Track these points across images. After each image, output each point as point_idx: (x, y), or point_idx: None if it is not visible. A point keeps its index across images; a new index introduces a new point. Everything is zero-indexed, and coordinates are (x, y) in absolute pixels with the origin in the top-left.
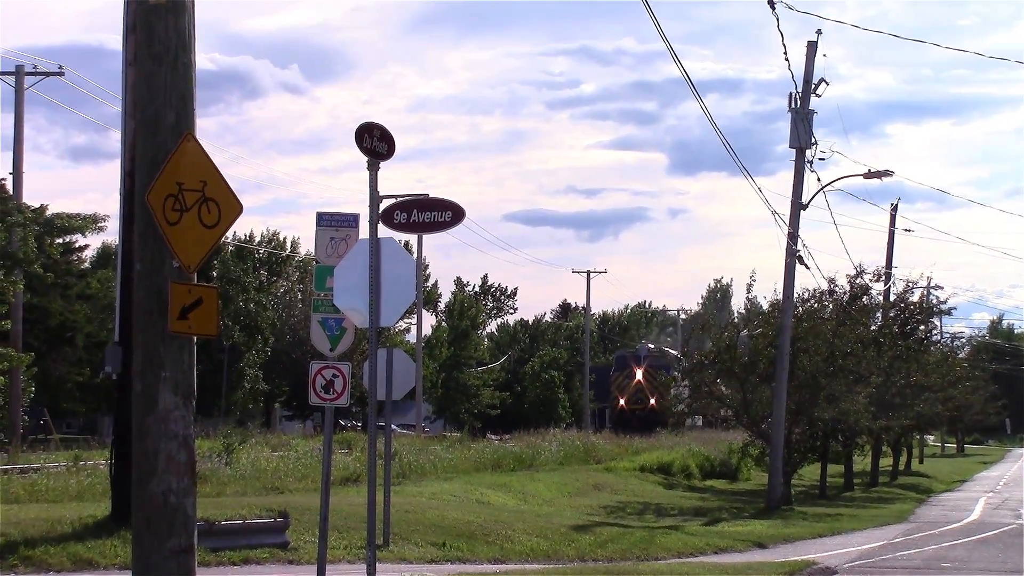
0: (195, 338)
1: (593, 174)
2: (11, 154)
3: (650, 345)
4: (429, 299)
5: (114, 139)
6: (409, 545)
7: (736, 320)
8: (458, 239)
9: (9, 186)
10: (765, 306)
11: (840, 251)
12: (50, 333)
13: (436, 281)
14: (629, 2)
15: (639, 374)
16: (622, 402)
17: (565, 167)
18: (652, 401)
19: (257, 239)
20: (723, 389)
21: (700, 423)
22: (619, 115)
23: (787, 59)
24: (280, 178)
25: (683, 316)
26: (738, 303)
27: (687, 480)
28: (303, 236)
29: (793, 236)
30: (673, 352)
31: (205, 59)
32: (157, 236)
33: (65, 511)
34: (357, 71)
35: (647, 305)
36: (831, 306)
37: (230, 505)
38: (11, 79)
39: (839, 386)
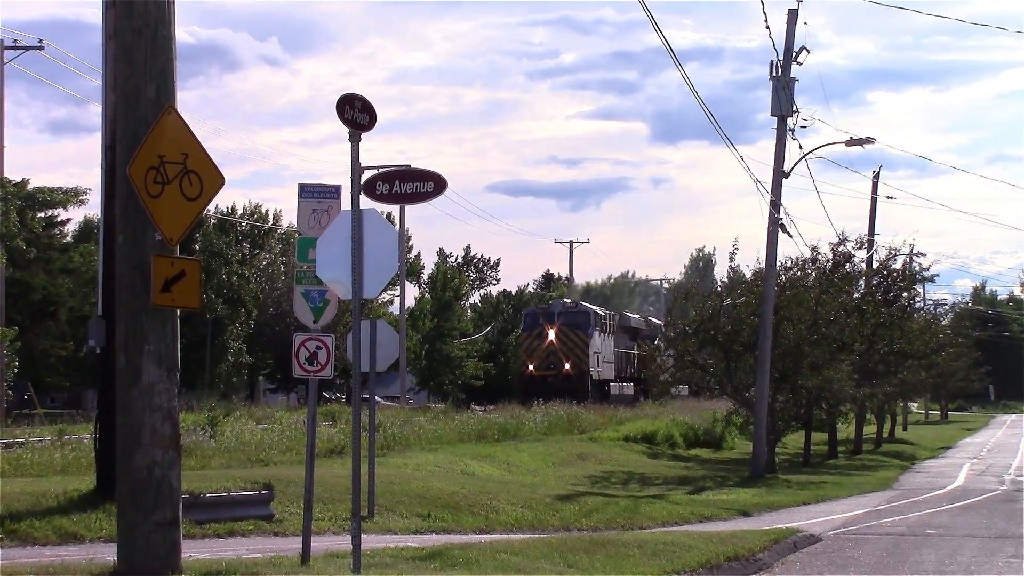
0: (178, 311)
1: (574, 144)
2: None
3: (565, 300)
4: (412, 270)
5: (94, 112)
6: (394, 516)
7: (719, 289)
8: (440, 210)
9: None
10: (748, 275)
11: (823, 219)
12: (33, 307)
13: (419, 253)
14: None
15: (551, 334)
16: (531, 367)
17: (546, 137)
18: (567, 366)
19: (239, 212)
20: (707, 358)
21: (685, 392)
22: (600, 85)
23: (768, 27)
24: (262, 151)
25: (666, 285)
26: (721, 272)
27: (671, 449)
28: (285, 208)
29: (775, 204)
30: (657, 321)
31: (184, 32)
32: (139, 209)
33: (50, 485)
34: (336, 43)
35: (630, 275)
36: (814, 274)
37: (215, 478)
38: None
39: (822, 354)
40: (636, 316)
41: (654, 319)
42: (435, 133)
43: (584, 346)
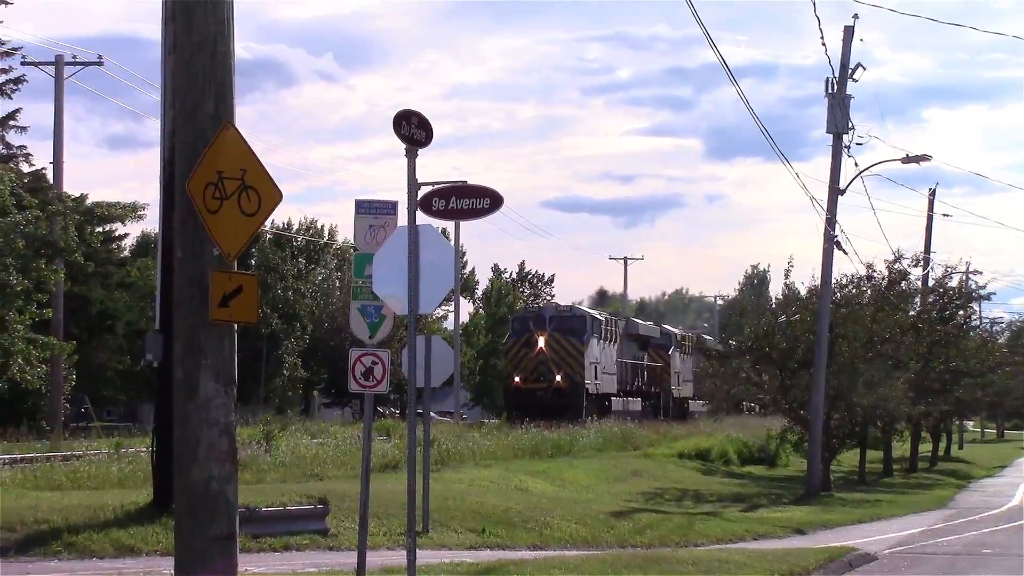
0: (235, 326)
1: (629, 160)
2: (51, 144)
3: (558, 302)
4: (467, 286)
5: (152, 128)
6: (448, 532)
7: (774, 306)
8: (495, 226)
9: (50, 175)
10: (803, 292)
11: (878, 236)
12: (91, 321)
13: (473, 268)
14: None
15: (541, 341)
16: (517, 379)
17: (601, 153)
18: (558, 378)
19: (295, 227)
20: (761, 375)
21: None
22: (654, 101)
23: (824, 44)
24: (317, 166)
25: (720, 302)
26: (776, 289)
27: (725, 466)
28: (341, 224)
29: (831, 221)
30: (672, 329)
31: (240, 48)
32: (197, 224)
33: (107, 498)
34: (392, 59)
35: (684, 291)
36: (869, 292)
37: (270, 492)
38: (51, 69)
39: (878, 372)
40: (646, 323)
41: (671, 327)
42: (490, 149)
43: (579, 355)
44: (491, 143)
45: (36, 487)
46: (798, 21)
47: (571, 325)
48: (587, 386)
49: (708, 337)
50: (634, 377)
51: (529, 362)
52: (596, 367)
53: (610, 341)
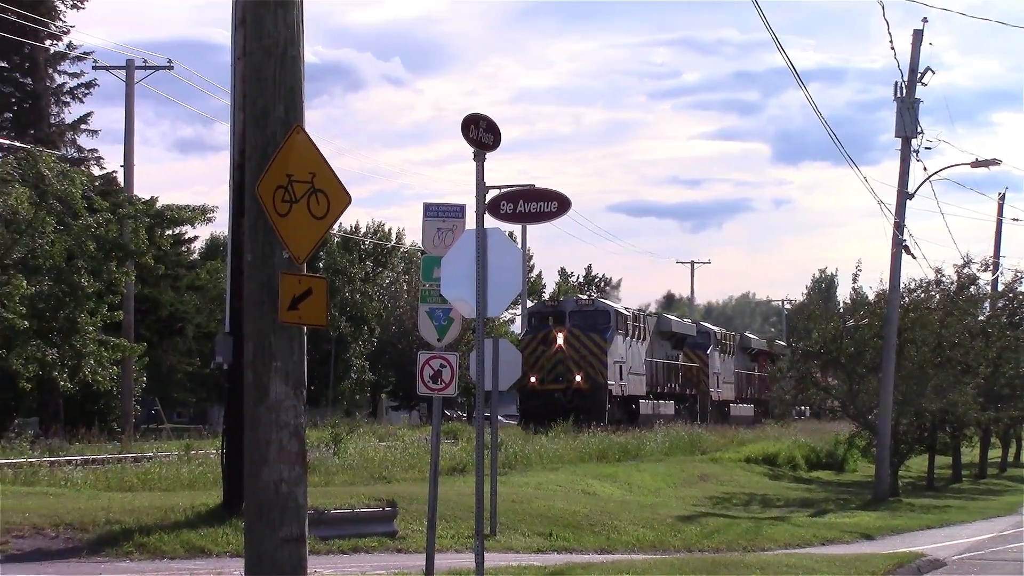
0: (305, 328)
1: (696, 164)
2: (122, 147)
3: (580, 296)
4: (534, 289)
5: (220, 132)
6: (516, 535)
7: (842, 310)
8: (562, 230)
9: (120, 179)
10: (871, 296)
11: (947, 241)
12: (161, 324)
13: (540, 272)
14: None
15: (559, 339)
16: (532, 379)
17: (667, 158)
18: (578, 378)
19: (363, 230)
20: (829, 380)
21: (807, 414)
22: (721, 105)
23: (892, 48)
24: (385, 170)
25: (788, 306)
26: (843, 293)
27: (793, 471)
28: (408, 227)
29: (899, 226)
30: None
31: (309, 52)
32: (267, 227)
33: (178, 499)
34: (459, 63)
35: (751, 295)
36: (938, 296)
37: (339, 494)
38: (122, 74)
39: (947, 377)
40: (682, 319)
41: (709, 324)
42: (557, 153)
43: (601, 353)
44: (558, 147)
45: (108, 488)
46: (866, 25)
47: (593, 321)
48: (610, 387)
49: (753, 336)
50: (667, 378)
51: (546, 361)
52: (621, 366)
53: (638, 338)
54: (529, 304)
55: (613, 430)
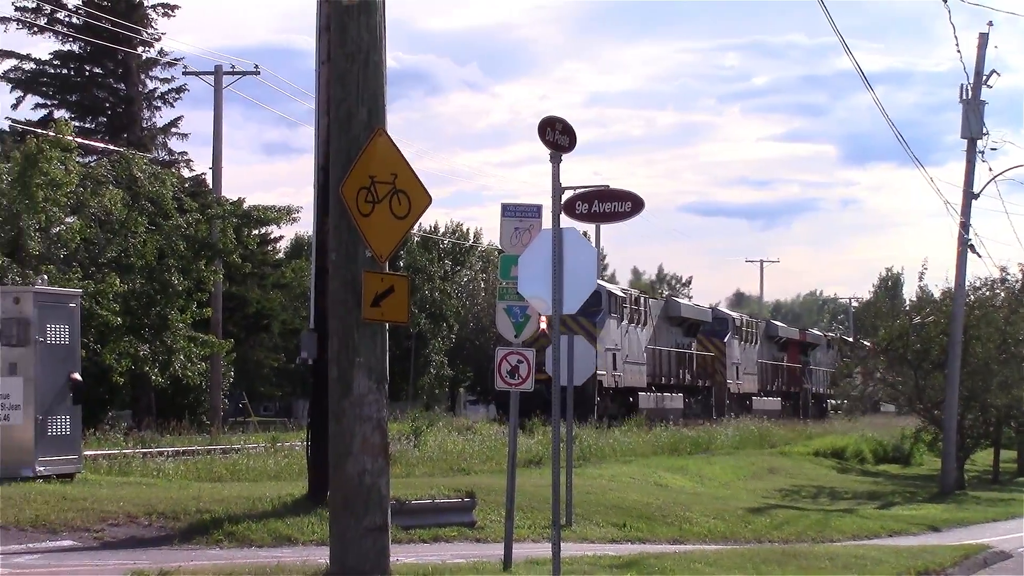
0: (387, 325)
1: (764, 165)
2: (211, 150)
3: None
4: None
5: (305, 135)
6: (591, 525)
7: (908, 308)
8: (634, 230)
9: (209, 180)
10: (937, 294)
11: (1012, 240)
12: (247, 320)
13: (614, 271)
14: None
15: (543, 322)
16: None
17: (737, 159)
18: None
19: (441, 230)
20: (896, 376)
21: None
22: (789, 108)
23: (958, 51)
24: (463, 171)
25: (855, 304)
26: (909, 291)
27: (860, 465)
28: (485, 227)
29: (965, 225)
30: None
31: (389, 57)
32: (351, 227)
33: (264, 489)
34: (535, 68)
35: (818, 293)
36: (1003, 294)
37: (419, 485)
38: (210, 79)
39: (1012, 373)
40: (694, 304)
41: (727, 310)
42: (629, 154)
43: (591, 338)
44: (630, 149)
45: (198, 478)
46: (932, 29)
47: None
48: (601, 378)
49: (780, 323)
50: (675, 368)
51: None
52: (615, 355)
53: (638, 323)
54: None
55: (605, 426)
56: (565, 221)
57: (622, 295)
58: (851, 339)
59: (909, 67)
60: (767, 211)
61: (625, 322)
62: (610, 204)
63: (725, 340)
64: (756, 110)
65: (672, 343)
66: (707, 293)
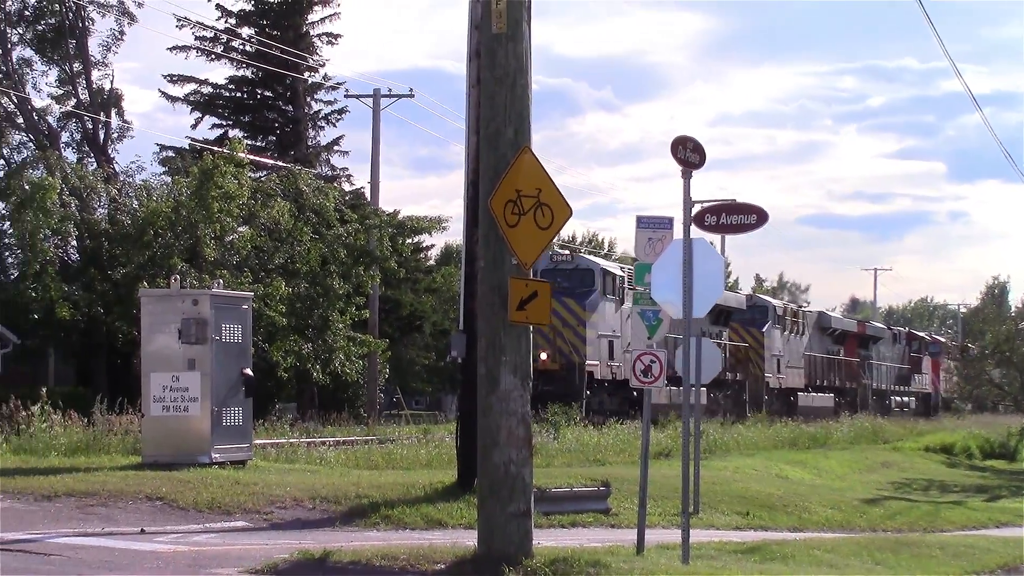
0: (530, 327)
1: (878, 181)
2: (369, 166)
3: (557, 251)
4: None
5: (453, 152)
6: (716, 514)
7: (1014, 314)
8: (756, 240)
9: (367, 193)
10: None
11: None
12: (401, 322)
13: (737, 278)
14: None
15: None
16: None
17: (852, 175)
18: (544, 356)
19: (578, 240)
20: (1002, 376)
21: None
22: (901, 127)
23: None
24: (598, 186)
25: (963, 310)
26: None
27: (968, 460)
28: (619, 237)
29: None
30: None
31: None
32: (498, 237)
33: (417, 477)
34: (665, 90)
35: (929, 300)
36: None
37: (558, 475)
38: (369, 101)
39: None
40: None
41: (766, 297)
42: (752, 171)
43: (578, 324)
44: (753, 165)
45: (357, 466)
46: None
47: (572, 282)
48: (591, 369)
49: (834, 314)
50: None
51: None
52: (612, 342)
53: None
54: None
55: (596, 424)
56: (694, 232)
57: (620, 273)
58: (957, 343)
59: (1016, 88)
60: (881, 223)
61: (626, 305)
62: (737, 217)
63: (763, 330)
64: (870, 129)
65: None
66: (824, 299)
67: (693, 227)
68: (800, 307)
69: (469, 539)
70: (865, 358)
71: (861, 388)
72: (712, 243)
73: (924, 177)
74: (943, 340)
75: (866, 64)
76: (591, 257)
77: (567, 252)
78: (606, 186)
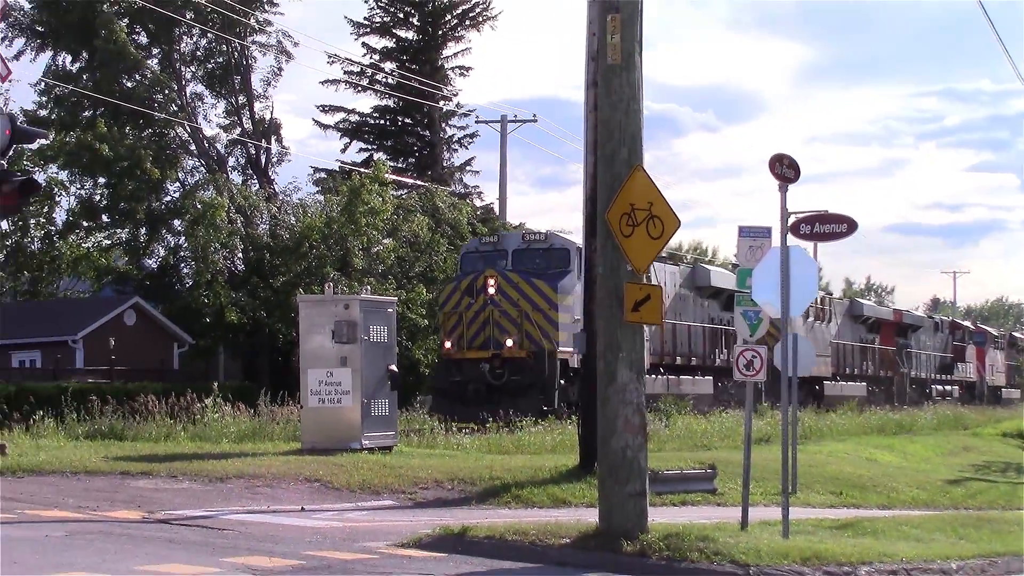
0: (644, 326)
1: (956, 192)
2: (497, 184)
3: (529, 230)
4: None
5: (571, 170)
6: (812, 493)
7: None
8: (845, 248)
9: (496, 208)
10: None
11: None
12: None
13: (828, 281)
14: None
15: (490, 286)
16: (448, 345)
17: (932, 187)
18: (509, 342)
19: (684, 248)
20: None
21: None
22: (977, 143)
23: None
24: (701, 200)
25: None
26: None
27: None
28: (720, 245)
29: None
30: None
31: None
32: (614, 246)
33: (543, 461)
34: (761, 112)
35: (1005, 299)
36: None
37: (669, 459)
38: (497, 126)
39: None
40: (716, 268)
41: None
42: (841, 184)
43: (549, 307)
44: (842, 179)
45: (489, 451)
46: None
47: (546, 262)
48: (564, 357)
49: (867, 302)
50: (712, 347)
51: (471, 319)
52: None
53: None
54: (472, 241)
55: (565, 418)
56: (790, 240)
57: None
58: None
59: None
60: (959, 231)
61: None
62: (829, 226)
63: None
64: (948, 146)
65: (703, 318)
66: (907, 299)
67: (789, 235)
68: (827, 295)
69: (591, 516)
70: (903, 347)
71: (898, 377)
72: (806, 250)
73: (998, 188)
74: (990, 330)
75: (945, 87)
76: (567, 236)
77: (542, 233)
78: (708, 199)
